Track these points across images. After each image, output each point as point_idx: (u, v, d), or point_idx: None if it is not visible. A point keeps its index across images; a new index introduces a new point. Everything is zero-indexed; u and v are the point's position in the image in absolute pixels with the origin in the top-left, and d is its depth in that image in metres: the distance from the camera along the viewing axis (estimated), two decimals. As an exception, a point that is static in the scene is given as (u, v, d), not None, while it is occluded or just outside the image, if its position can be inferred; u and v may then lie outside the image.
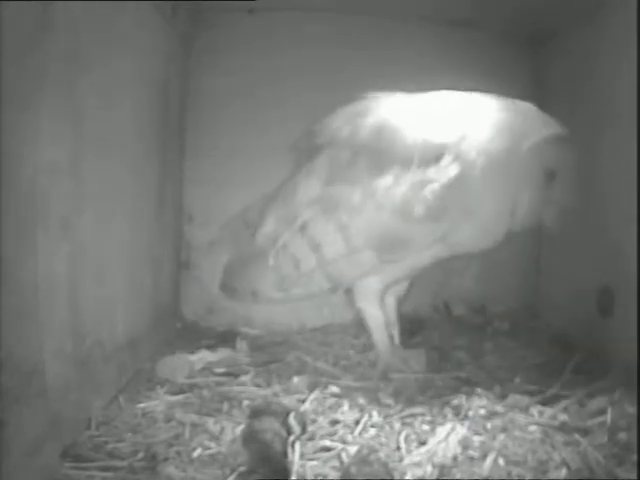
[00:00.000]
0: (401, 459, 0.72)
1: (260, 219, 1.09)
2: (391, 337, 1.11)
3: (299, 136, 1.08)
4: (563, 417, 0.81)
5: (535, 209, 0.99)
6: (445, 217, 0.94)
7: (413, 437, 0.77)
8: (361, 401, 0.89)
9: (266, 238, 1.06)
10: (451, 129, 0.94)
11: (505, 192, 0.96)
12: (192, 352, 1.07)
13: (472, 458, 0.71)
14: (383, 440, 0.77)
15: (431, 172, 0.93)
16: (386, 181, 0.95)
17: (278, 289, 1.06)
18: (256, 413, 0.80)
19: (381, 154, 0.96)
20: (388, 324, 1.12)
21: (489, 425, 0.78)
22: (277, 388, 0.95)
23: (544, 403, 0.86)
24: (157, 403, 0.88)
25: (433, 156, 0.93)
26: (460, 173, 0.92)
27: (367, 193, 0.96)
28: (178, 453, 0.72)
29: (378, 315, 1.08)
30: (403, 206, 0.94)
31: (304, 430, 0.78)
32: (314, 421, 0.82)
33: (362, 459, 0.69)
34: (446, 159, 0.93)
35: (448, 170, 0.93)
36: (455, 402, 0.86)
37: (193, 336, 1.26)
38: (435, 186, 0.93)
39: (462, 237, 0.98)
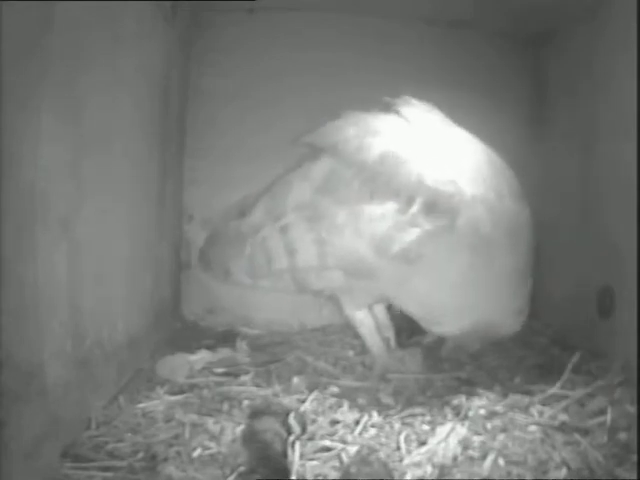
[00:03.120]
0: (401, 459, 0.72)
1: (250, 207, 1.10)
2: (386, 340, 1.12)
3: (305, 132, 1.06)
4: (563, 417, 0.81)
5: None
6: (418, 261, 0.94)
7: (413, 437, 0.78)
8: (361, 401, 0.89)
9: (250, 226, 1.07)
10: (456, 178, 0.93)
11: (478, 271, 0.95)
12: (192, 352, 1.07)
13: (472, 458, 0.71)
14: (383, 440, 0.77)
15: (420, 216, 0.93)
16: (373, 211, 0.95)
17: (248, 276, 1.08)
18: (256, 413, 0.80)
19: (379, 182, 0.95)
20: (380, 327, 1.12)
21: (489, 425, 0.79)
22: (277, 388, 0.95)
23: (544, 403, 0.86)
24: (157, 403, 0.88)
25: (429, 201, 0.92)
26: (449, 225, 0.92)
27: (352, 217, 0.97)
28: (178, 453, 0.72)
29: (367, 320, 1.09)
30: (381, 241, 0.95)
31: (304, 430, 0.78)
32: (314, 421, 0.82)
33: (362, 459, 0.69)
34: (439, 207, 0.92)
35: (438, 218, 0.92)
36: (455, 402, 0.86)
37: (193, 336, 1.26)
38: (418, 231, 0.93)
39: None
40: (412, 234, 0.93)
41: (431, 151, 0.97)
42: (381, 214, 0.95)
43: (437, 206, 0.92)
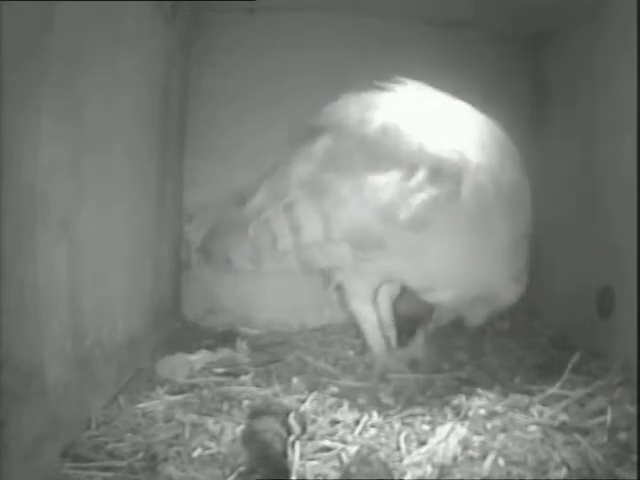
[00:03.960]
0: (401, 459, 0.72)
1: (251, 192, 1.09)
2: (387, 339, 1.12)
3: (307, 118, 1.06)
4: (563, 417, 0.81)
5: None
6: (426, 228, 0.93)
7: (413, 437, 0.78)
8: (361, 401, 0.89)
9: (252, 210, 1.06)
10: (459, 146, 0.93)
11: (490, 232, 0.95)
12: (192, 352, 1.07)
13: (472, 458, 0.71)
14: (383, 440, 0.77)
15: (425, 183, 0.92)
16: (378, 180, 0.94)
17: (251, 261, 1.07)
18: (256, 413, 0.80)
19: (381, 153, 0.95)
20: (383, 326, 1.12)
21: (489, 425, 0.79)
22: (277, 388, 0.95)
23: (544, 403, 0.86)
24: (157, 403, 0.88)
25: (433, 168, 0.92)
26: (454, 191, 0.92)
27: (356, 188, 0.96)
28: (178, 453, 0.72)
29: (371, 317, 1.09)
30: (387, 209, 0.94)
31: (304, 430, 0.78)
32: (314, 421, 0.82)
33: (362, 459, 0.69)
34: (444, 174, 0.92)
35: (443, 185, 0.92)
36: (455, 402, 0.86)
37: (193, 336, 1.26)
38: (425, 196, 0.92)
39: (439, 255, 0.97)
40: (418, 199, 0.92)
41: (431, 122, 0.97)
42: (385, 183, 0.94)
43: (442, 172, 0.92)
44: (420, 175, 0.92)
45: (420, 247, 0.96)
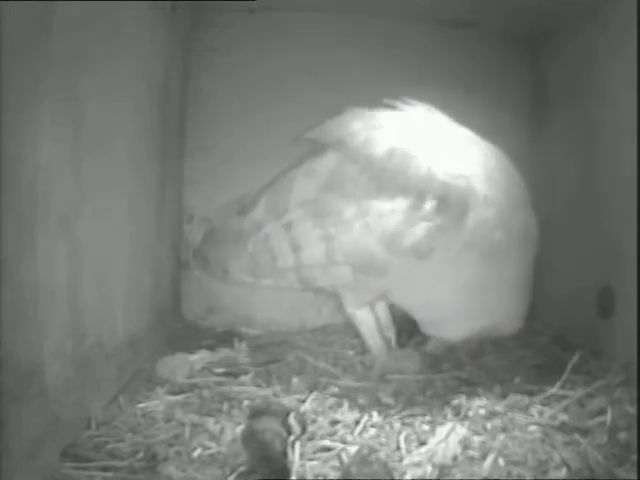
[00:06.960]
0: (401, 459, 0.72)
1: (252, 204, 1.08)
2: (388, 340, 1.12)
3: (308, 128, 1.04)
4: (563, 417, 0.81)
5: None
6: (429, 257, 0.93)
7: (413, 437, 0.77)
8: (361, 401, 0.89)
9: (252, 223, 1.05)
10: (467, 175, 0.93)
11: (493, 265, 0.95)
12: (192, 352, 1.07)
13: (472, 458, 0.71)
14: (383, 440, 0.77)
15: (432, 211, 0.92)
16: (383, 207, 0.94)
17: (249, 274, 1.06)
18: (256, 413, 0.80)
19: (387, 178, 0.94)
20: (382, 327, 1.12)
21: (489, 425, 0.79)
22: (277, 388, 0.95)
23: (544, 403, 0.86)
24: (157, 403, 0.88)
25: (440, 195, 0.92)
26: (458, 220, 0.91)
27: (360, 212, 0.95)
28: (178, 453, 0.72)
29: (368, 319, 1.09)
30: (392, 237, 0.93)
31: (304, 430, 0.78)
32: (314, 421, 0.82)
33: (362, 459, 0.69)
34: (450, 202, 0.91)
35: (449, 213, 0.91)
36: (455, 402, 0.86)
37: (193, 336, 1.26)
38: (430, 225, 0.92)
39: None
40: (423, 228, 0.92)
41: (440, 147, 0.96)
42: (391, 209, 0.93)
43: (449, 200, 0.91)
44: (428, 204, 0.92)
45: (421, 274, 0.96)
